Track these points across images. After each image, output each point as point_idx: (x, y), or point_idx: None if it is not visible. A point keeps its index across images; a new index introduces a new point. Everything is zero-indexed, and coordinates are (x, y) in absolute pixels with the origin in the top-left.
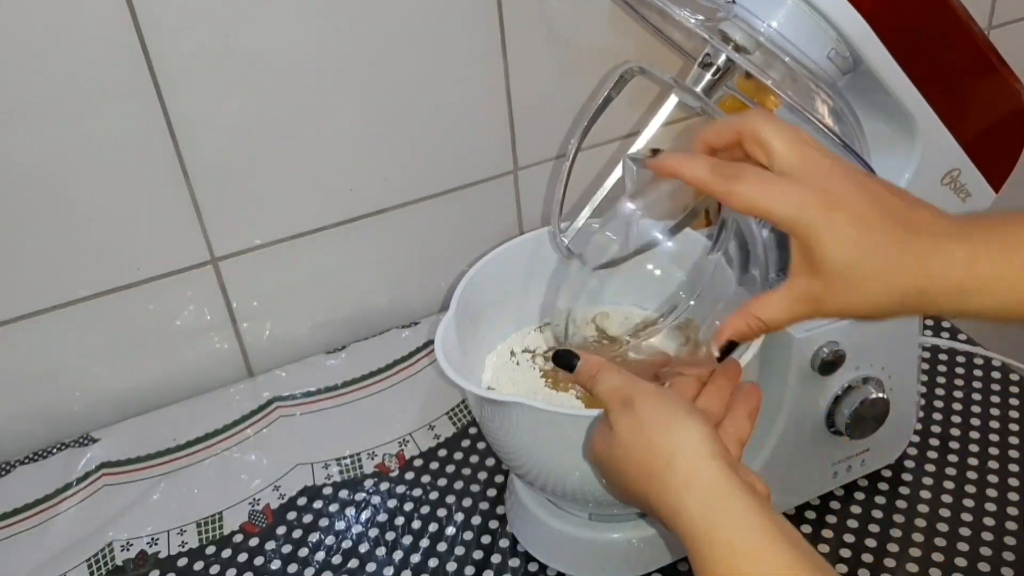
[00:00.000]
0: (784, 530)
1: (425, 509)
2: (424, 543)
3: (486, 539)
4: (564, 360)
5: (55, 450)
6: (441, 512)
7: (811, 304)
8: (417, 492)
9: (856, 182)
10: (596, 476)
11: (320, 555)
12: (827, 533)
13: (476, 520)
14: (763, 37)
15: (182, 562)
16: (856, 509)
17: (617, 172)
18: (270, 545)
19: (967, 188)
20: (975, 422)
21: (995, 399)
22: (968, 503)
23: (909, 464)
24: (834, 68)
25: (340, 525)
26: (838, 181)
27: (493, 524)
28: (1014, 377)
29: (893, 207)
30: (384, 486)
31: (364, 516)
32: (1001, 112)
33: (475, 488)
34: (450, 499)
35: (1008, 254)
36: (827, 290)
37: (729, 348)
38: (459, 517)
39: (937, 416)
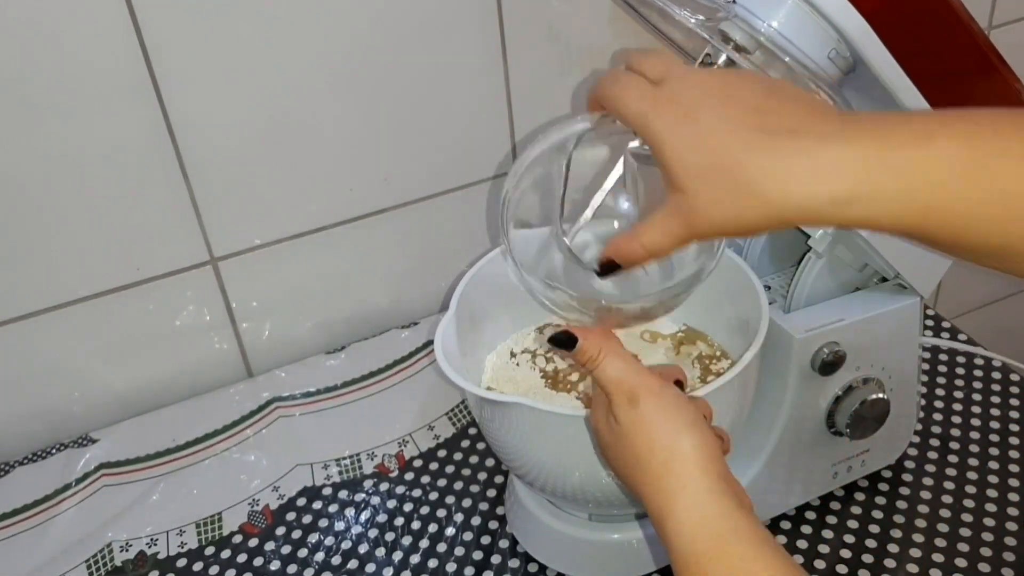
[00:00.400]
0: (767, 540)
1: (425, 510)
2: (424, 544)
3: (486, 539)
4: (562, 341)
5: (55, 450)
6: (441, 512)
7: (681, 220)
8: (417, 493)
9: (713, 86)
10: (593, 445)
11: (319, 556)
12: (827, 534)
13: (476, 520)
14: (763, 37)
15: (181, 563)
16: (856, 510)
17: (619, 169)
18: (269, 546)
19: None
20: (975, 422)
21: (995, 399)
22: (968, 503)
23: (909, 464)
24: (835, 68)
25: (339, 526)
26: (693, 86)
27: (493, 524)
28: (1014, 377)
29: (757, 107)
30: (384, 487)
31: (364, 517)
32: None
33: (475, 488)
34: (450, 499)
35: (887, 157)
36: (687, 202)
37: (609, 268)
38: (459, 517)
39: (937, 416)
